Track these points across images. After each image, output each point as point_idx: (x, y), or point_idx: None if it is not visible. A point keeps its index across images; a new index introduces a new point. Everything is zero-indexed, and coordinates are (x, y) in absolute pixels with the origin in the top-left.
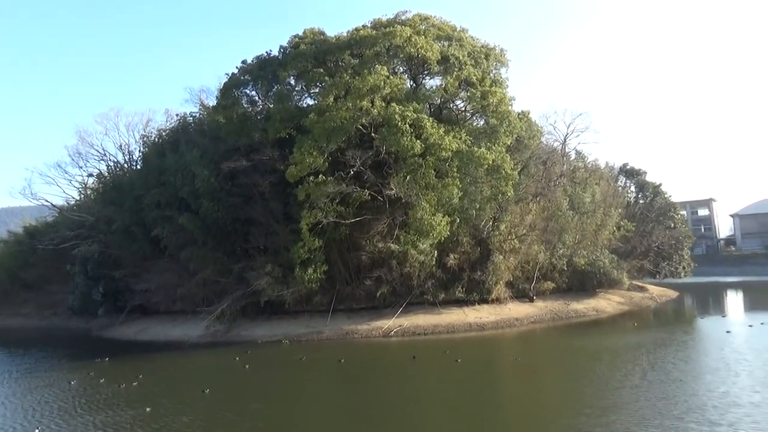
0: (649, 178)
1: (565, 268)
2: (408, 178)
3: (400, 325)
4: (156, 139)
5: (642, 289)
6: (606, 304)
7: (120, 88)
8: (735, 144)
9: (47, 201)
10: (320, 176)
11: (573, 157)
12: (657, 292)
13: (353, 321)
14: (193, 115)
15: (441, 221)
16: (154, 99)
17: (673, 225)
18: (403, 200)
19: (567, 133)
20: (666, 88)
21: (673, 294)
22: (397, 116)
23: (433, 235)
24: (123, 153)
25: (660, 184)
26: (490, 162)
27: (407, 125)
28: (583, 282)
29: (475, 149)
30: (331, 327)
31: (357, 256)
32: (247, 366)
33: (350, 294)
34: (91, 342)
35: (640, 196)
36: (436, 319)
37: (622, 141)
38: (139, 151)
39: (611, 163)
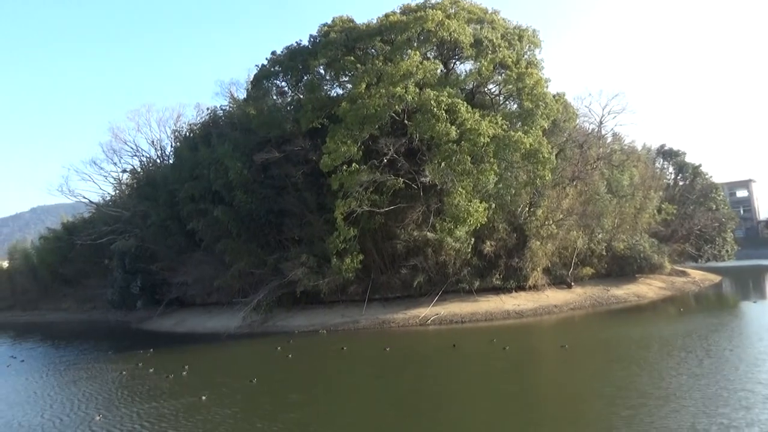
0: (687, 158)
1: (604, 254)
2: (443, 164)
3: (436, 314)
4: (187, 134)
5: (683, 273)
6: (647, 289)
7: (152, 84)
8: None
9: (84, 197)
10: (353, 165)
11: (609, 139)
12: (698, 277)
13: (389, 310)
14: (224, 108)
15: (478, 207)
16: (185, 94)
17: (714, 206)
18: (439, 187)
19: (602, 115)
20: (701, 67)
21: (714, 278)
22: (432, 102)
23: (470, 221)
24: (155, 148)
25: (700, 165)
26: (528, 146)
27: (442, 111)
28: (622, 267)
29: (512, 133)
30: (367, 316)
31: (392, 245)
32: (290, 356)
33: (385, 283)
34: (131, 334)
35: (679, 177)
36: (473, 307)
37: (658, 122)
38: (171, 145)
39: (648, 144)
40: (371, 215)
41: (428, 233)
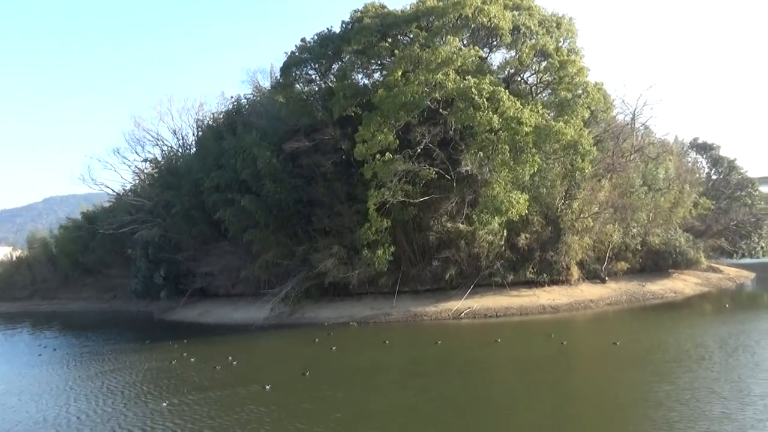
0: (722, 152)
1: (639, 248)
2: (480, 154)
3: (469, 308)
4: (211, 123)
5: (715, 269)
6: (683, 285)
7: (173, 75)
8: None
9: (107, 186)
10: (387, 154)
11: (641, 131)
12: (733, 273)
13: (419, 303)
14: (248, 97)
15: (519, 198)
16: (207, 84)
17: (750, 201)
18: (478, 177)
19: (636, 107)
20: (736, 57)
21: (748, 275)
22: (473, 89)
23: (511, 213)
24: (177, 138)
25: (735, 159)
26: (569, 137)
27: (484, 99)
28: (657, 262)
29: (553, 124)
30: (397, 309)
31: (423, 237)
32: (333, 348)
33: (415, 275)
34: (157, 324)
35: (713, 171)
36: (507, 301)
37: (690, 114)
38: (194, 135)
39: (680, 137)
40: (403, 206)
41: (461, 225)
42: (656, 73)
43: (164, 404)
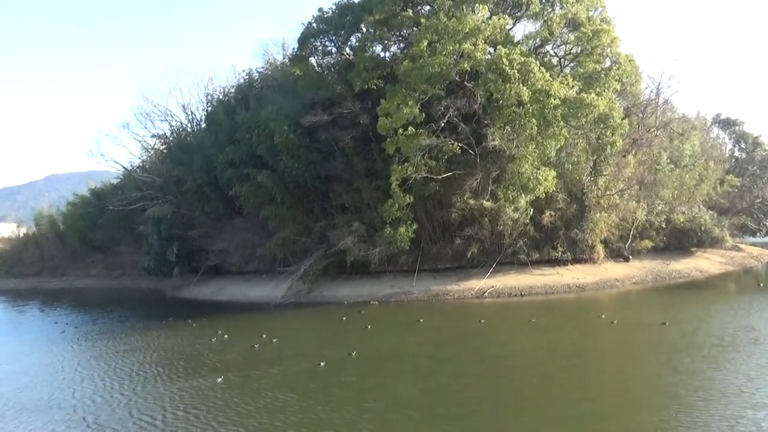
0: (746, 128)
1: (664, 226)
2: (507, 128)
3: (492, 286)
4: (221, 98)
5: (738, 248)
6: (707, 264)
7: (183, 48)
8: None
9: (116, 162)
10: (409, 128)
11: (664, 107)
12: (756, 252)
13: (440, 281)
14: (260, 71)
15: (548, 175)
16: (215, 58)
17: None
18: (505, 153)
19: (660, 81)
20: (751, 32)
21: None
22: (504, 60)
23: (539, 190)
24: (186, 113)
25: (759, 135)
26: (601, 110)
27: (515, 70)
28: (681, 240)
29: (585, 96)
30: (418, 287)
31: (445, 214)
32: (368, 327)
33: (436, 254)
34: (171, 302)
35: (736, 148)
36: (530, 279)
37: (711, 90)
38: (203, 109)
39: (702, 113)
40: (425, 182)
41: (485, 202)
42: (676, 46)
43: (219, 379)
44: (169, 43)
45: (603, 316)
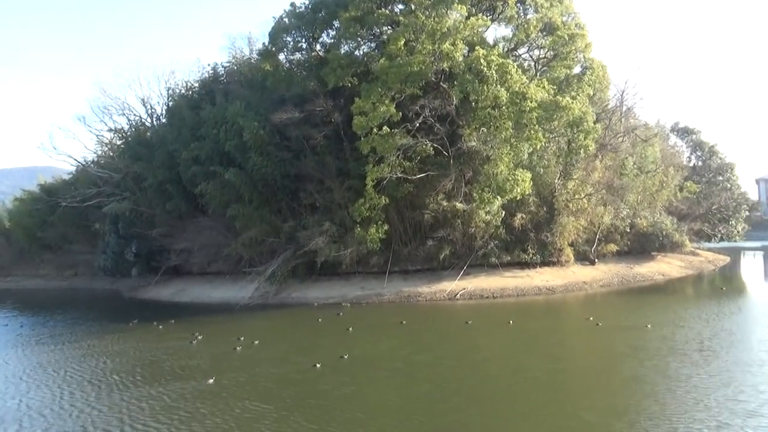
0: (702, 137)
1: (628, 230)
2: (483, 130)
3: (464, 288)
4: (185, 92)
5: (694, 253)
6: (668, 268)
7: (140, 41)
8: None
9: (71, 156)
10: (384, 128)
11: (626, 114)
12: (711, 257)
13: (411, 283)
14: (225, 65)
15: (525, 177)
16: (177, 50)
17: (730, 186)
18: (479, 154)
19: (624, 89)
20: (709, 44)
21: (724, 258)
22: (482, 61)
23: (516, 191)
24: (146, 107)
25: (715, 144)
26: (576, 113)
27: (492, 72)
28: (643, 245)
29: (560, 99)
30: (389, 289)
31: (417, 215)
32: (350, 329)
33: (407, 255)
34: (129, 304)
35: (693, 156)
36: (502, 282)
37: (668, 99)
38: (164, 104)
39: (661, 121)
40: (399, 183)
41: (458, 204)
42: (634, 55)
43: (210, 381)
44: (126, 35)
45: (591, 318)
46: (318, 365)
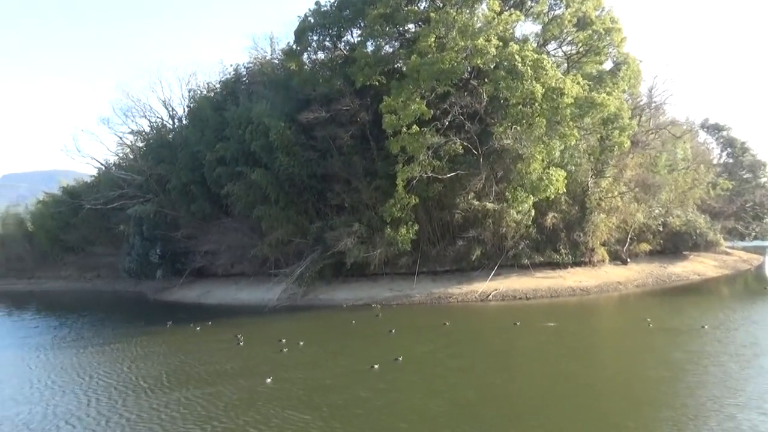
0: (733, 134)
1: (660, 229)
2: (515, 128)
3: (495, 289)
4: (207, 93)
5: (727, 252)
6: (702, 267)
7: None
8: None
9: (94, 158)
10: (414, 127)
11: (656, 111)
12: (745, 255)
13: (440, 284)
14: (247, 66)
15: (559, 175)
16: (195, 54)
17: (763, 183)
18: (513, 153)
19: (654, 85)
20: (739, 40)
21: (758, 256)
22: (516, 57)
23: (550, 190)
24: (167, 109)
25: (746, 141)
26: (612, 110)
27: (527, 68)
28: (676, 244)
29: (595, 95)
30: (418, 290)
31: (446, 215)
32: (392, 331)
33: (435, 256)
34: (155, 306)
35: (724, 153)
36: (534, 282)
37: (697, 95)
38: (185, 106)
39: (690, 118)
40: (428, 182)
41: (489, 204)
42: (662, 50)
43: (268, 380)
44: (142, 39)
45: (650, 320)
46: (376, 366)
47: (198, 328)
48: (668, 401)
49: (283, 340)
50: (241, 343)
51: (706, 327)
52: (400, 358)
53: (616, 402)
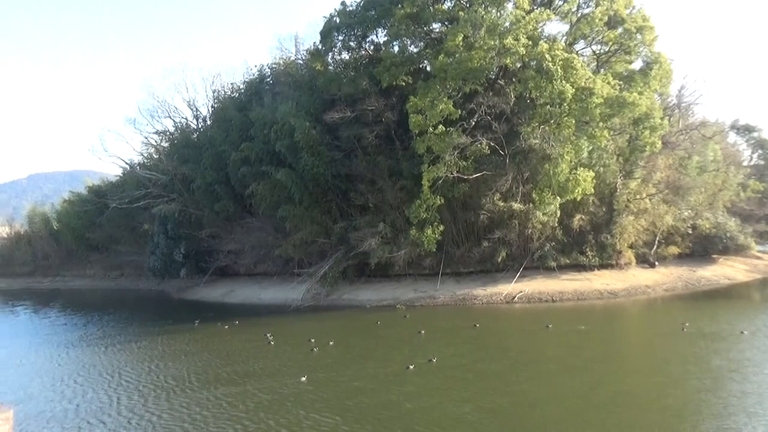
0: (765, 135)
1: (689, 232)
2: (543, 128)
3: (521, 291)
4: (232, 94)
5: (757, 256)
6: (733, 271)
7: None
8: None
9: (120, 158)
10: (440, 127)
11: (686, 111)
12: None
13: (465, 286)
14: (272, 66)
15: (587, 176)
16: (217, 56)
17: None
18: (540, 153)
19: (683, 85)
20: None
21: None
22: (546, 56)
23: (578, 191)
24: (192, 109)
25: None
26: (643, 109)
27: (558, 67)
28: (705, 247)
29: (626, 95)
30: (442, 291)
31: (471, 216)
32: (421, 332)
33: (459, 257)
34: (180, 304)
35: (755, 155)
36: (560, 285)
37: (725, 95)
38: (210, 106)
39: (719, 119)
40: (454, 183)
41: (515, 204)
42: (691, 49)
43: (303, 378)
44: (162, 42)
45: (687, 324)
46: (411, 366)
47: (226, 327)
48: (712, 411)
49: (313, 340)
50: (272, 343)
51: (745, 333)
52: (435, 359)
53: (657, 412)
